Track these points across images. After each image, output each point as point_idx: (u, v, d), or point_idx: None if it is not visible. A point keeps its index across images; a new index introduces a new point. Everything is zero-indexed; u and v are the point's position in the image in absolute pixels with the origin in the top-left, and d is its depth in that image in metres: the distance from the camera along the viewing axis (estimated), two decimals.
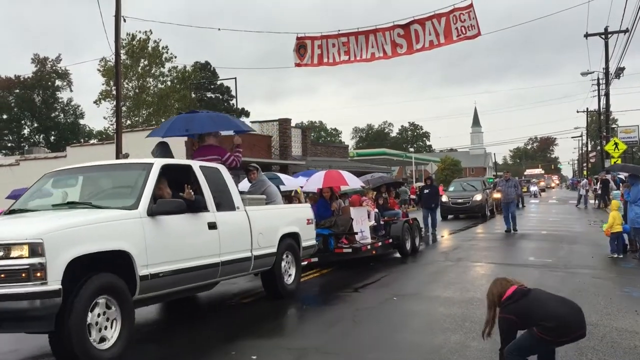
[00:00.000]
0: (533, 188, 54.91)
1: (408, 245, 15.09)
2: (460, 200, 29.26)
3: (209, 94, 64.72)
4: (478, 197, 28.87)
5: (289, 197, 14.39)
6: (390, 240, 14.48)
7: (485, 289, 6.13)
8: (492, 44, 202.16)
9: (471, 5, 14.63)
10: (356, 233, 12.84)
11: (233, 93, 60.10)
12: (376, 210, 15.03)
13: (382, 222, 14.87)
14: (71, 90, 74.86)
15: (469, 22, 14.54)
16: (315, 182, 13.60)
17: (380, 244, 13.88)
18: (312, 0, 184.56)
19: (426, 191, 22.39)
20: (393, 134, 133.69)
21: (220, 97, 65.36)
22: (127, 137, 24.25)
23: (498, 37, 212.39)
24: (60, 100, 74.79)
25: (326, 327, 8.14)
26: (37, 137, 73.86)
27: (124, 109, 44.12)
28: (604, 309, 8.43)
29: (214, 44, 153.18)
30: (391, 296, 10.00)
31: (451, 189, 31.91)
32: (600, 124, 49.75)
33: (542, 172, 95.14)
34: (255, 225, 8.89)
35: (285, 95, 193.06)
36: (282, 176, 16.00)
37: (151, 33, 53.18)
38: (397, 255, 15.18)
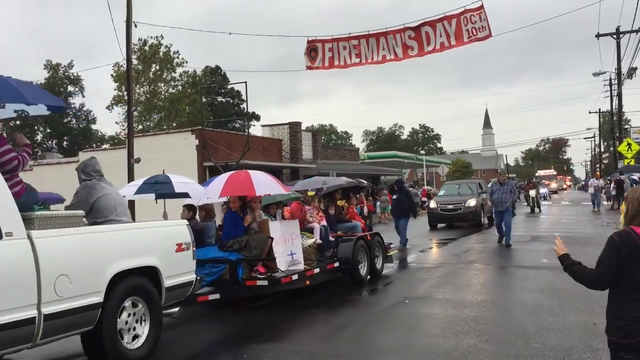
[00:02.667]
0: (543, 190, 50.53)
1: (363, 270, 11.57)
2: (450, 206, 24.96)
3: (219, 98, 64.90)
4: (472, 202, 24.64)
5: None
6: (337, 264, 10.98)
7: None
8: (504, 46, 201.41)
9: (482, 7, 14.56)
10: (272, 259, 9.31)
11: (244, 97, 60.38)
12: (324, 223, 11.62)
13: (331, 239, 11.56)
14: (83, 96, 75.28)
15: (479, 24, 14.48)
16: (214, 189, 9.69)
17: (317, 270, 10.18)
18: (327, 4, 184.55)
19: (394, 197, 18.35)
20: (404, 137, 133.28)
21: (231, 101, 65.54)
22: (139, 142, 24.50)
23: (511, 39, 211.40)
24: (72, 106, 75.23)
25: (337, 331, 8.11)
26: (49, 142, 74.33)
27: (135, 113, 44.32)
28: None
29: (229, 48, 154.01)
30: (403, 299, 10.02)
31: (441, 192, 28.19)
32: (613, 125, 49.36)
33: (555, 173, 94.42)
34: (49, 263, 5.55)
35: (299, 99, 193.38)
36: (180, 182, 11.04)
37: (162, 38, 53.39)
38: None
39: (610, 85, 49.54)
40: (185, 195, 11.00)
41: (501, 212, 17.46)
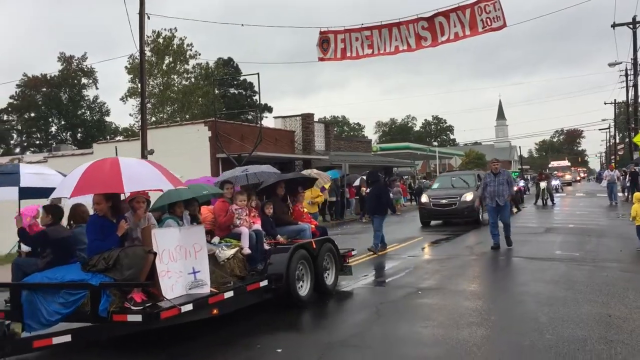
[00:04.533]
0: (554, 182, 45.10)
1: (304, 288, 8.98)
2: (444, 201, 22.15)
3: (232, 90, 64.98)
4: (468, 196, 21.74)
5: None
6: (264, 283, 8.31)
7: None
8: (522, 36, 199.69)
9: None
10: (146, 284, 6.62)
11: (256, 89, 60.33)
12: (257, 227, 9.04)
13: (267, 248, 9.01)
14: (97, 88, 75.85)
15: (494, 14, 14.33)
16: (67, 183, 6.81)
17: (228, 294, 7.47)
18: None
19: (368, 190, 15.94)
20: (416, 128, 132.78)
21: (244, 93, 65.60)
22: (152, 134, 24.78)
23: (528, 29, 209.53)
24: (86, 98, 75.81)
25: (350, 321, 8.16)
26: (64, 134, 74.97)
27: (148, 105, 44.48)
28: (634, 302, 8.28)
29: (244, 41, 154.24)
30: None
31: (435, 185, 25.24)
32: (629, 116, 48.84)
33: (569, 164, 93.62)
34: None
35: (314, 90, 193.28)
36: (32, 173, 8.18)
37: (176, 30, 53.52)
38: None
39: (627, 75, 49.03)
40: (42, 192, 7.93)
41: (497, 208, 14.41)
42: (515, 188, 20.34)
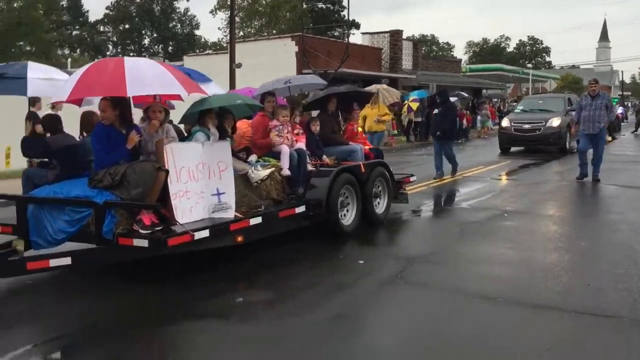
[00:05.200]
0: None
1: (348, 217, 7.95)
2: (527, 126, 19.75)
3: (320, 5, 63.07)
4: (555, 121, 19.35)
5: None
6: (300, 209, 7.30)
7: None
8: None
9: None
10: (152, 206, 5.73)
11: (345, 4, 58.23)
12: (300, 146, 7.89)
13: (312, 169, 7.93)
14: (187, 0, 76.00)
15: None
16: (66, 85, 5.94)
17: (256, 220, 6.54)
18: None
19: (436, 111, 14.42)
20: (509, 49, 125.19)
21: (332, 8, 63.60)
22: (240, 47, 24.75)
23: None
24: (177, 11, 76.29)
25: (433, 239, 8.09)
26: (156, 47, 76.30)
27: (237, 19, 43.96)
28: None
29: None
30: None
31: (518, 109, 22.46)
32: None
33: None
34: None
35: (403, 7, 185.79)
36: (42, 79, 7.14)
37: None
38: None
39: None
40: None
41: (591, 135, 12.50)
42: (614, 114, 18.31)
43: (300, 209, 7.27)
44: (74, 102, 6.25)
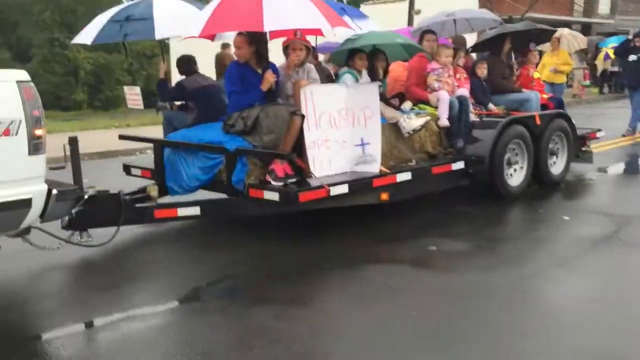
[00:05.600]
0: None
1: (516, 177, 6.82)
2: None
3: None
4: None
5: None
6: (457, 165, 6.29)
7: None
8: None
9: None
10: (283, 155, 5.06)
11: None
12: (463, 92, 6.79)
13: (475, 119, 6.78)
14: None
15: None
16: (198, 19, 5.21)
17: (405, 176, 5.70)
18: None
19: (633, 58, 11.73)
20: None
21: None
22: None
23: None
24: None
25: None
26: None
27: None
28: None
29: None
30: None
31: None
32: None
33: None
34: None
35: None
36: (167, 18, 6.14)
37: None
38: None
39: None
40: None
41: None
42: None
43: (458, 165, 6.30)
44: (207, 37, 5.77)
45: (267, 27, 4.81)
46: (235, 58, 5.50)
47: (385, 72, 6.78)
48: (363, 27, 6.53)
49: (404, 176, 5.69)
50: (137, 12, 6.17)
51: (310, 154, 5.31)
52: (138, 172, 6.13)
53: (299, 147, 5.23)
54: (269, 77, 5.26)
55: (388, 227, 5.92)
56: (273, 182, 5.03)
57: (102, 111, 30.58)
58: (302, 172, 5.21)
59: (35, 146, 3.61)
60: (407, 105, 6.74)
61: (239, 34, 5.31)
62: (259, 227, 5.82)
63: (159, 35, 6.06)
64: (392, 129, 6.16)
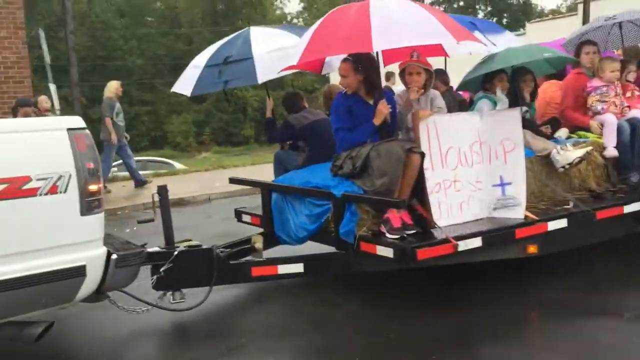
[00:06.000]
0: None
1: None
2: None
3: None
4: None
5: None
6: (635, 207, 4.96)
7: None
8: None
9: None
10: (404, 202, 4.11)
11: None
12: (636, 112, 5.53)
13: None
14: None
15: None
16: (297, 51, 4.44)
17: (559, 223, 4.53)
18: None
19: None
20: None
21: None
22: (595, 5, 21.21)
23: None
24: None
25: None
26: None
27: None
28: None
29: None
30: None
31: None
32: None
33: None
34: None
35: None
36: (272, 54, 5.28)
37: None
38: None
39: None
40: None
41: None
42: None
43: (633, 206, 4.95)
44: (311, 69, 5.07)
45: (377, 47, 4.00)
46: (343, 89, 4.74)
47: (534, 93, 5.65)
48: (499, 42, 5.45)
49: (558, 223, 4.52)
50: (235, 51, 5.47)
51: (434, 198, 4.38)
52: (248, 218, 5.55)
53: (420, 190, 4.32)
54: (383, 109, 4.41)
55: (542, 284, 4.78)
56: (388, 235, 4.16)
57: (266, 146, 31.62)
58: (424, 221, 4.29)
59: (89, 204, 3.10)
60: (563, 133, 5.55)
61: (344, 59, 4.55)
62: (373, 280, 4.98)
63: (262, 78, 5.33)
64: (542, 164, 5.06)
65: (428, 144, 4.42)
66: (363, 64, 4.46)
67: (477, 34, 5.39)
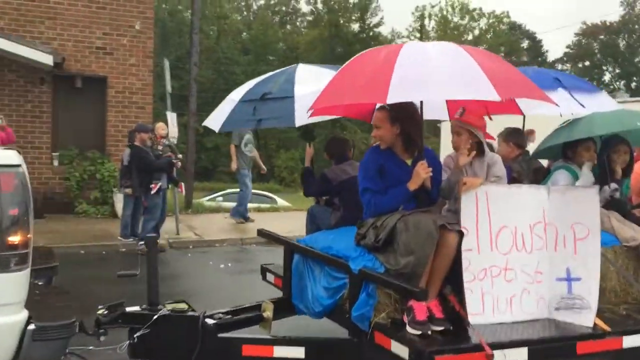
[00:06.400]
0: None
1: None
2: None
3: None
4: None
5: None
6: None
7: None
8: None
9: None
10: (425, 292, 3.25)
11: None
12: None
13: None
14: None
15: None
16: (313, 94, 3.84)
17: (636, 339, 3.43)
18: None
19: None
20: None
21: None
22: None
23: None
24: None
25: None
26: (617, 83, 70.90)
27: None
28: None
29: None
30: None
31: None
32: None
33: None
34: None
35: None
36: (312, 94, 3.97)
37: None
38: None
39: None
40: None
41: None
42: None
43: None
44: (356, 116, 4.37)
45: (392, 99, 3.21)
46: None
47: (629, 167, 4.62)
48: (590, 104, 4.48)
49: (635, 339, 3.47)
50: (275, 88, 4.81)
51: (476, 287, 3.50)
52: (272, 278, 4.86)
53: (457, 277, 3.46)
54: (420, 171, 3.60)
55: None
56: (408, 328, 3.32)
57: None
58: (458, 316, 3.42)
59: (6, 260, 2.53)
60: None
61: (379, 107, 3.81)
62: None
63: (300, 121, 4.62)
64: (629, 257, 4.05)
65: (476, 220, 3.57)
66: (402, 114, 3.70)
67: (560, 91, 4.49)
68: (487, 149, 3.94)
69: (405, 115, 3.69)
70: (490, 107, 4.11)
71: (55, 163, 12.90)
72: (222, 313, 4.00)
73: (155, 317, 3.51)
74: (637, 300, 3.98)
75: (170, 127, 10.51)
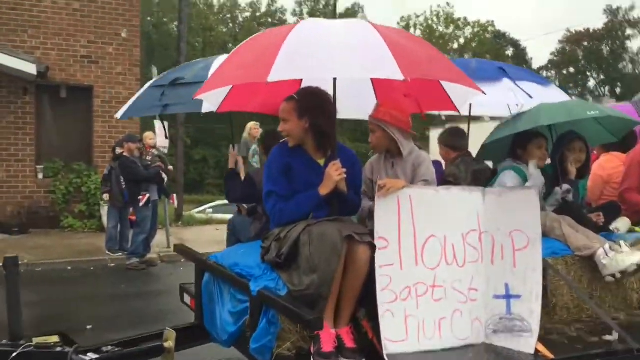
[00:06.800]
0: None
1: None
2: None
3: None
4: None
5: None
6: None
7: None
8: None
9: None
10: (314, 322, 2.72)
11: None
12: None
13: None
14: None
15: None
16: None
17: None
18: None
19: None
20: None
21: None
22: None
23: None
24: (629, 51, 70.27)
25: None
26: (602, 89, 71.32)
27: None
28: None
29: None
30: None
31: None
32: None
33: None
34: None
35: None
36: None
37: None
38: None
39: None
40: None
41: None
42: None
43: None
44: (251, 109, 3.83)
45: (273, 77, 2.71)
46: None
47: (585, 168, 4.11)
48: (538, 95, 3.97)
49: None
50: (191, 74, 4.35)
51: (398, 309, 2.95)
52: (188, 299, 4.30)
53: (371, 297, 2.92)
54: (332, 173, 3.08)
55: None
56: (316, 359, 2.78)
57: None
58: (372, 344, 2.88)
59: None
60: (622, 225, 3.96)
61: (287, 98, 3.24)
62: None
63: (207, 107, 4.07)
64: (583, 268, 3.53)
65: (398, 229, 3.03)
66: (311, 106, 3.16)
67: (505, 81, 3.99)
68: (413, 148, 3.41)
69: (315, 106, 3.13)
70: (423, 104, 3.60)
71: (40, 176, 12.41)
72: (114, 345, 3.43)
73: (14, 354, 2.94)
74: (592, 317, 3.46)
75: (159, 136, 10.04)
